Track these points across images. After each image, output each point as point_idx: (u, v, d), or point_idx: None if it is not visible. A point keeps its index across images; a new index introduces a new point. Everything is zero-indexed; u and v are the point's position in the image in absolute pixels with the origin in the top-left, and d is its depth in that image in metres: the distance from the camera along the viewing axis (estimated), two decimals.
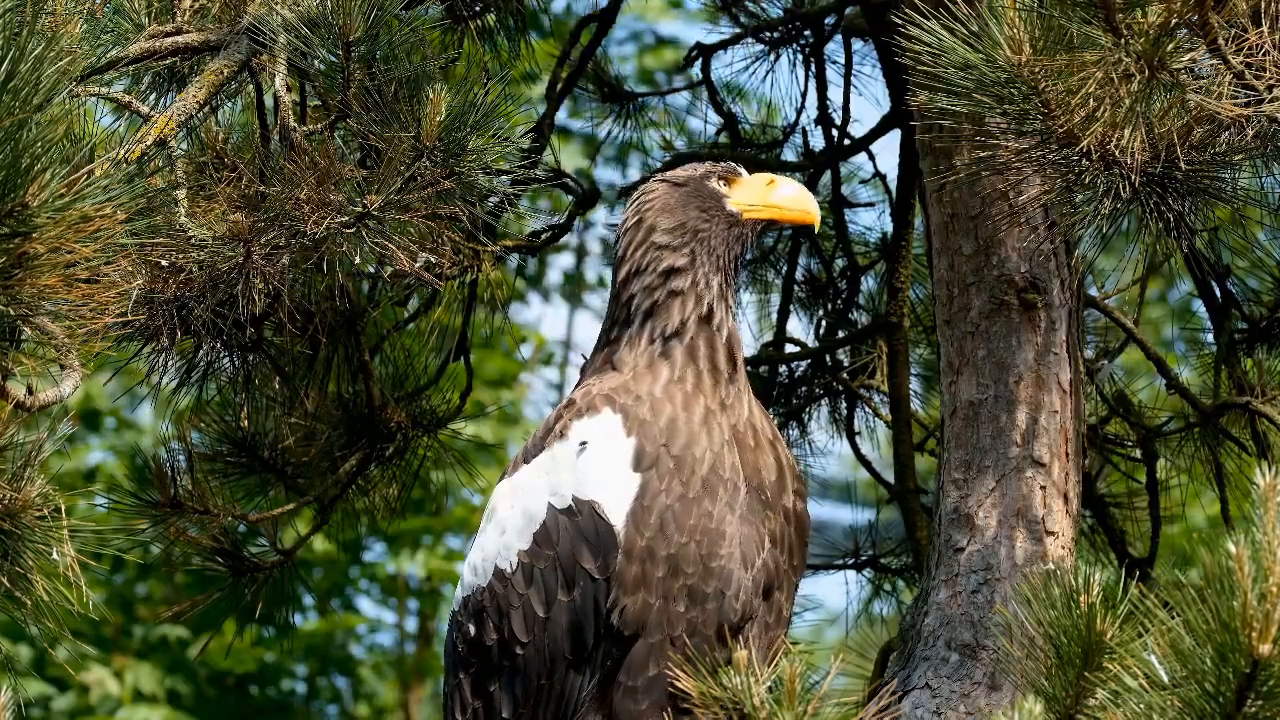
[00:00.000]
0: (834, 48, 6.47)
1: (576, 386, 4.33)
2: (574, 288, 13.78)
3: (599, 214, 6.80)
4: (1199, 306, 5.89)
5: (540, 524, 4.18)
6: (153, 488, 5.61)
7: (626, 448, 4.15)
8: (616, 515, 4.11)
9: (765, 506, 4.18)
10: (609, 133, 6.72)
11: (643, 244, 4.33)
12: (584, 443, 4.18)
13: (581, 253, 13.50)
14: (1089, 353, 5.90)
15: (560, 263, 13.93)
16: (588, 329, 14.62)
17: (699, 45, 6.49)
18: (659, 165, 6.33)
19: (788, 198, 4.40)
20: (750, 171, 4.44)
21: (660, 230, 4.32)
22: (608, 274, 4.97)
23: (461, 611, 4.31)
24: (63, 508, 3.99)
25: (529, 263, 6.48)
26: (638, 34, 13.15)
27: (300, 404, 5.76)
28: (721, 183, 4.38)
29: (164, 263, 4.40)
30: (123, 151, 4.27)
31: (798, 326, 6.60)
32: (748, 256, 4.52)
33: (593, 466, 4.15)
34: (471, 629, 4.27)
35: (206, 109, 4.57)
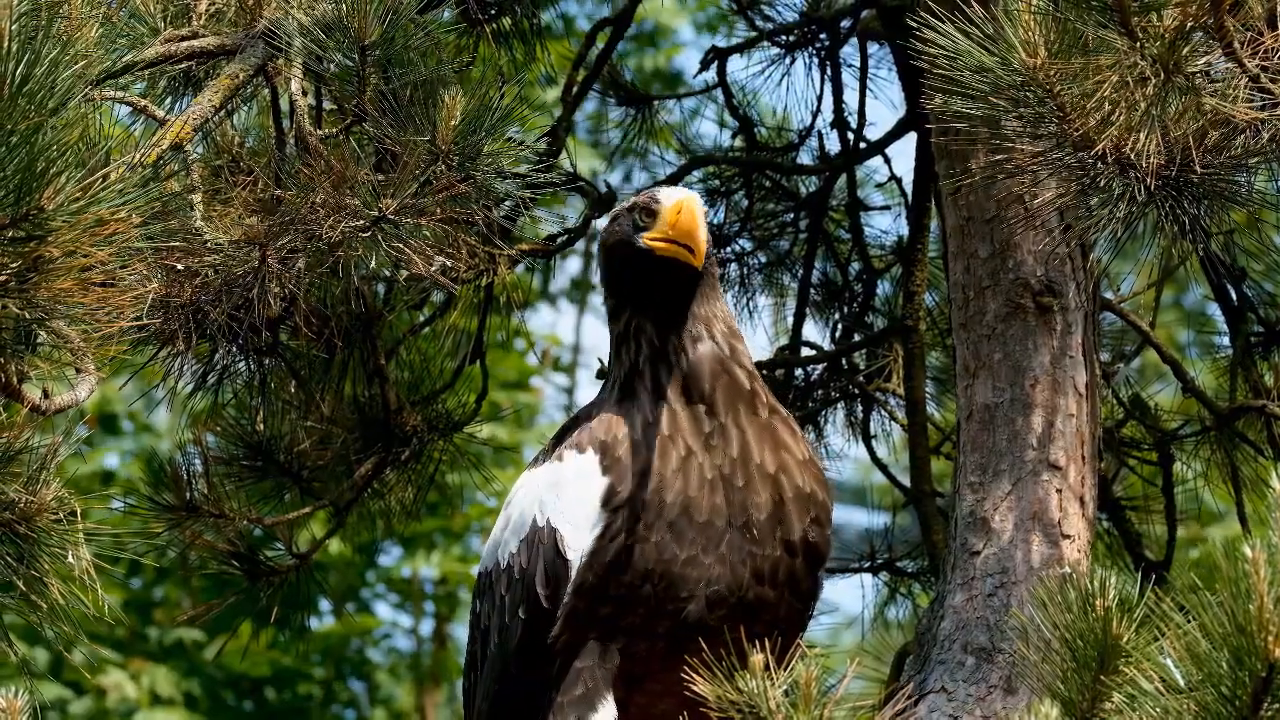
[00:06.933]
0: (849, 51, 6.47)
1: (586, 406, 4.31)
2: (581, 292, 13.80)
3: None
4: (1214, 310, 5.89)
5: (527, 532, 4.20)
6: (169, 491, 5.61)
7: (598, 486, 4.13)
8: (574, 551, 4.11)
9: (752, 543, 4.14)
10: (625, 136, 6.73)
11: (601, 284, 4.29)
12: (567, 473, 4.18)
13: (589, 257, 13.53)
14: (1105, 356, 5.89)
15: (568, 268, 13.94)
16: (596, 333, 14.64)
17: (714, 49, 6.50)
18: (675, 169, 6.33)
19: (673, 228, 4.07)
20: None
21: (601, 275, 4.26)
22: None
23: (476, 585, 4.37)
24: (79, 511, 3.99)
25: (545, 266, 6.47)
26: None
27: (316, 408, 5.76)
28: (643, 214, 4.16)
29: (179, 266, 4.41)
30: (138, 155, 4.27)
31: (813, 330, 6.59)
32: (677, 284, 4.11)
33: (565, 499, 4.15)
34: (477, 605, 4.31)
35: (222, 113, 4.58)
